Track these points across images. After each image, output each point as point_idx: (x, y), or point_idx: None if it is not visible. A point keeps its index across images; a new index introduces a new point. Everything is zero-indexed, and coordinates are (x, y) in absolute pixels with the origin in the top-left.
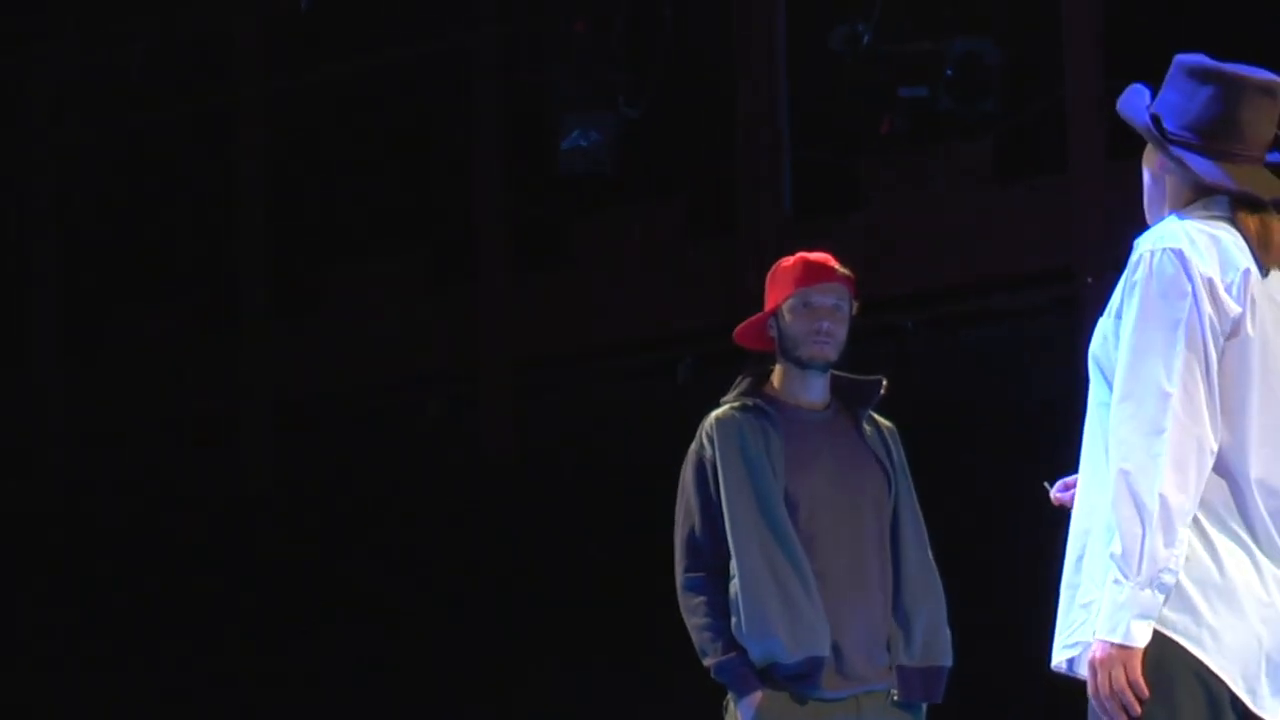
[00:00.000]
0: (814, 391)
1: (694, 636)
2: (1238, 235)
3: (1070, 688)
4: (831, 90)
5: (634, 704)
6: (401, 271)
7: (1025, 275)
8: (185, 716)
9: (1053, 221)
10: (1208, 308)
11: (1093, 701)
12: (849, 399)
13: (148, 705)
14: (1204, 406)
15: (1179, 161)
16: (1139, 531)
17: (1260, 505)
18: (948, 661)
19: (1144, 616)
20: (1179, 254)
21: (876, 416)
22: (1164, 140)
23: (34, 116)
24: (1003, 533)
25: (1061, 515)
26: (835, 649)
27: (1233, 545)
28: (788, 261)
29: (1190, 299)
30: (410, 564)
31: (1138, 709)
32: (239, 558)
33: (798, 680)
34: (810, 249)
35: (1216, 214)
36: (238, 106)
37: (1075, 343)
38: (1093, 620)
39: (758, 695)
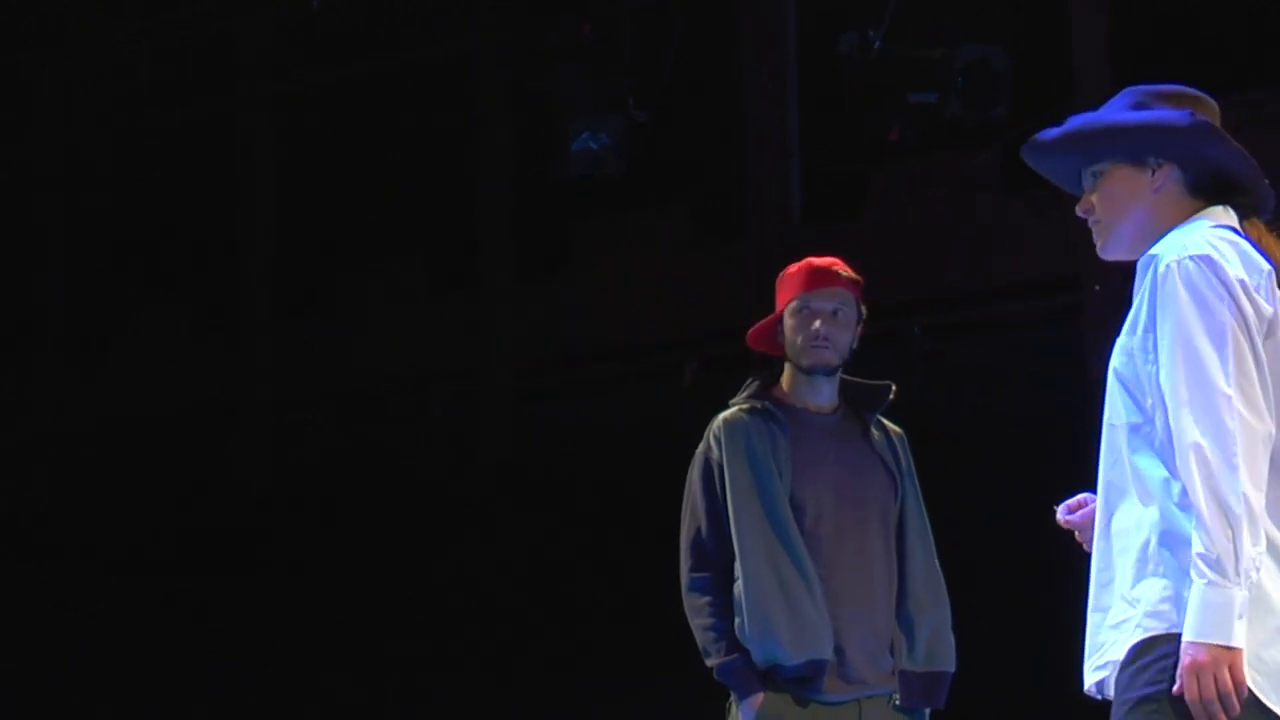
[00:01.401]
0: (822, 395)
1: (698, 637)
2: (1244, 243)
3: (1069, 702)
4: (841, 96)
5: (635, 706)
6: (406, 273)
7: (1032, 282)
8: (183, 713)
9: (1060, 229)
10: (1247, 308)
11: (1193, 708)
12: (858, 404)
13: (144, 701)
14: (1262, 402)
15: (1200, 157)
16: (1229, 532)
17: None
18: (951, 667)
19: (1242, 615)
20: (1207, 260)
21: (886, 422)
22: (1206, 129)
23: (41, 116)
24: (1008, 540)
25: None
26: (838, 652)
27: (1268, 556)
28: (794, 267)
29: (1229, 301)
30: (412, 566)
31: (1238, 709)
32: (238, 557)
33: (799, 683)
34: (818, 254)
35: (1233, 221)
36: (244, 108)
37: (1082, 350)
38: (1169, 621)
39: (759, 697)
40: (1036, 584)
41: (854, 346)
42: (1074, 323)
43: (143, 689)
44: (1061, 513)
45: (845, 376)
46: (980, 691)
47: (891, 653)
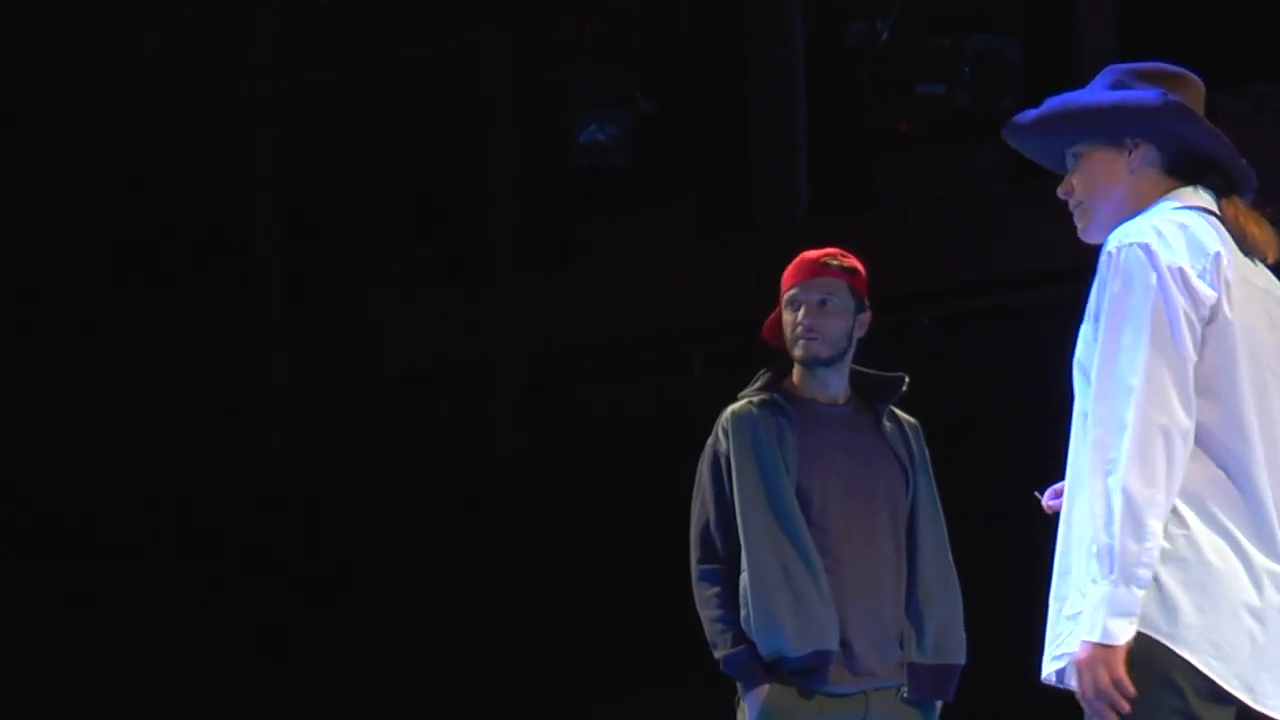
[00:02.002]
0: (830, 387)
1: (706, 628)
2: (1211, 221)
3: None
4: (848, 87)
5: (645, 699)
6: (413, 266)
7: (1040, 274)
8: (186, 709)
9: (1069, 220)
10: (1178, 298)
11: (1083, 704)
12: (870, 395)
13: (147, 698)
14: (1173, 394)
15: (1174, 136)
16: (1111, 528)
17: (1250, 493)
18: (960, 660)
19: (1122, 614)
20: (1145, 248)
21: (899, 413)
22: (1178, 109)
23: (49, 110)
24: (1016, 532)
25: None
26: (844, 644)
27: (1217, 538)
28: (793, 260)
29: (1157, 291)
30: (418, 559)
31: (1125, 707)
32: (247, 550)
33: (805, 674)
34: (825, 246)
35: (1207, 202)
36: (252, 101)
37: None
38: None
39: (764, 689)
40: (1045, 575)
41: (858, 336)
42: (1082, 313)
43: (147, 685)
44: (1047, 498)
45: (856, 368)
46: (990, 684)
47: (900, 645)
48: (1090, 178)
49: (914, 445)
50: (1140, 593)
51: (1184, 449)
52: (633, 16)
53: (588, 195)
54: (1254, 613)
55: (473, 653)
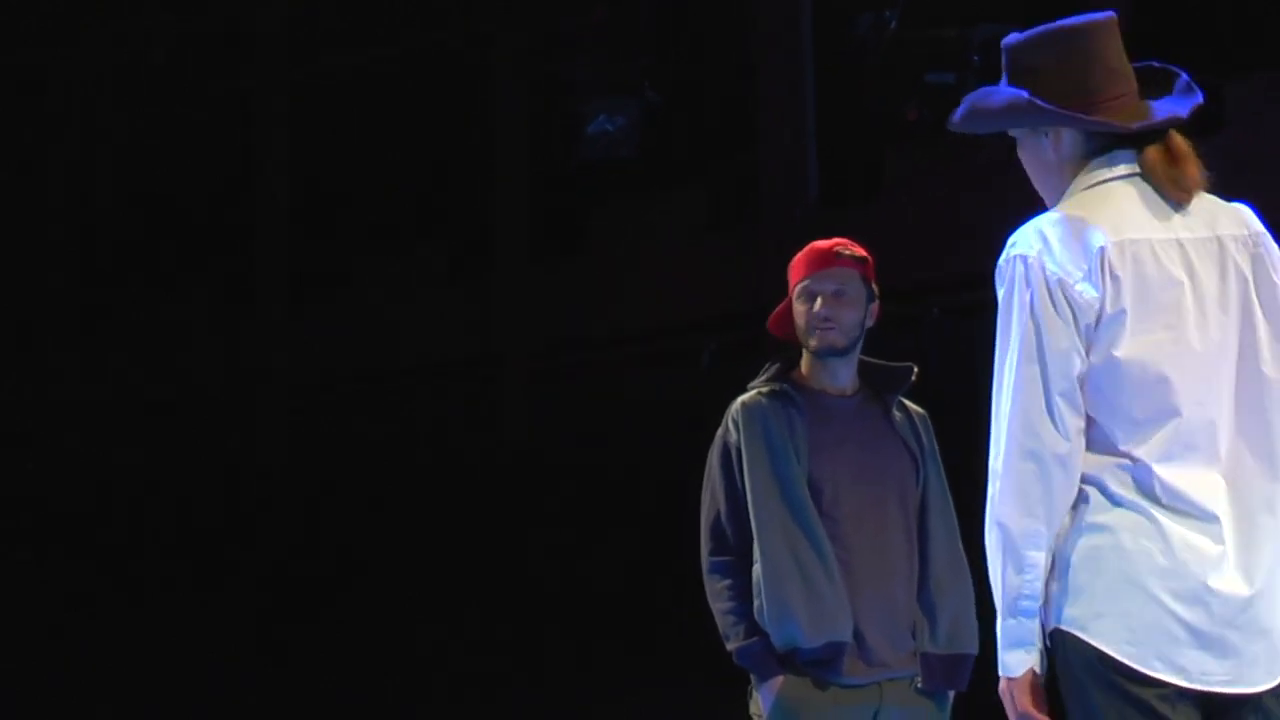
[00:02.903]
0: (840, 377)
1: (718, 620)
2: (1126, 189)
3: None
4: (856, 77)
5: (654, 689)
6: (422, 258)
7: None
8: (199, 690)
9: None
10: (1051, 315)
11: None
12: (879, 385)
13: (165, 676)
14: (1044, 419)
15: (1070, 126)
16: (995, 563)
17: (1176, 467)
18: (973, 650)
19: (1015, 645)
20: (1024, 260)
21: (908, 403)
22: (1054, 109)
23: (58, 102)
24: None
25: None
26: (858, 635)
27: (1131, 518)
28: (801, 251)
29: (1029, 309)
30: (428, 549)
31: None
32: (254, 539)
33: (819, 666)
34: (834, 236)
35: (1119, 171)
36: (260, 93)
37: None
38: None
39: (778, 680)
40: None
41: (868, 325)
42: None
43: (159, 660)
44: None
45: (864, 358)
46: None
47: (913, 635)
48: (1026, 163)
49: (923, 435)
50: (1030, 622)
51: (1061, 471)
52: (640, 9)
53: (595, 187)
54: (1172, 589)
55: (474, 651)
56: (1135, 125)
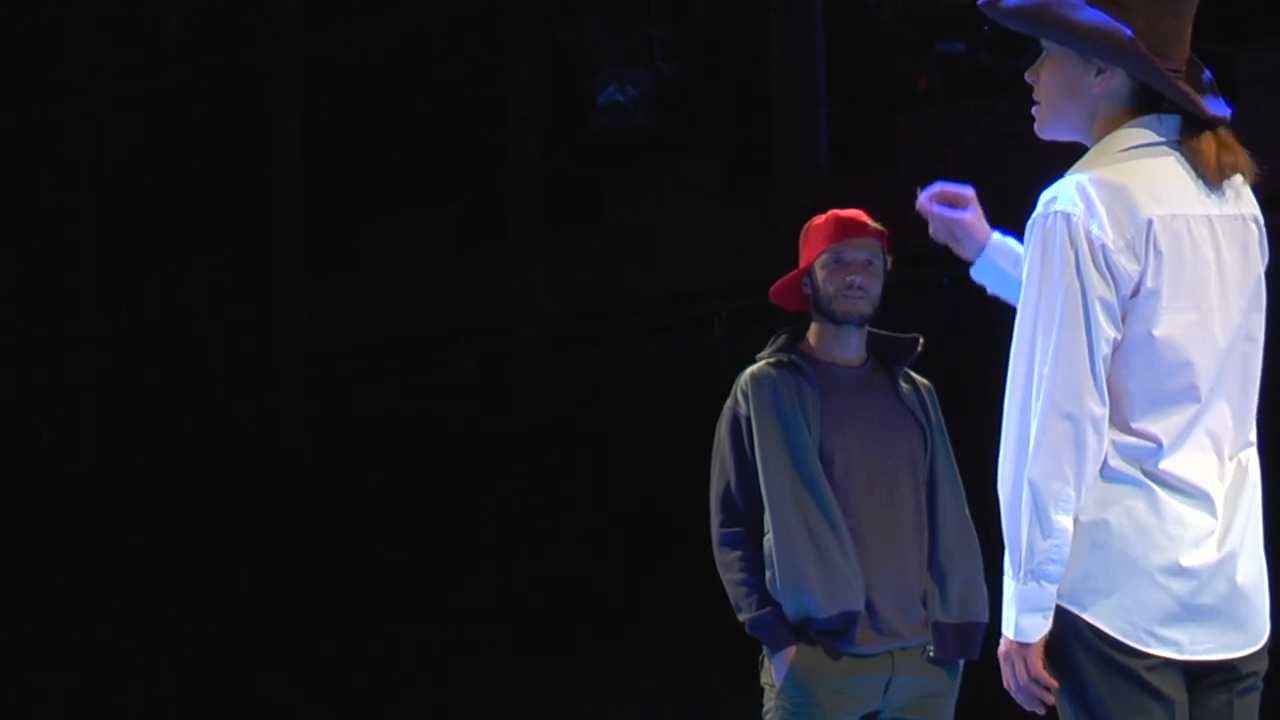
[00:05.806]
0: (850, 348)
1: (729, 592)
2: (1165, 159)
3: None
4: (868, 46)
5: (667, 660)
6: (435, 227)
7: None
8: (218, 670)
9: None
10: (1095, 280)
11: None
12: (885, 356)
13: (183, 655)
14: (1084, 381)
15: (1156, 86)
16: (1018, 523)
17: (1182, 447)
18: (984, 618)
19: (1032, 610)
20: (1067, 218)
21: (914, 375)
22: (1153, 65)
23: (72, 72)
24: None
25: None
26: (870, 605)
27: (1134, 496)
28: (820, 219)
29: (1073, 270)
30: (443, 518)
31: (1050, 699)
32: (272, 511)
33: (832, 635)
34: (846, 205)
35: (1165, 135)
36: (273, 61)
37: None
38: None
39: (791, 650)
40: None
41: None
42: None
43: (177, 639)
44: (923, 196)
45: (872, 330)
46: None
47: (924, 604)
48: (1051, 84)
49: (930, 406)
50: (1051, 587)
51: (1095, 437)
52: None
53: (609, 156)
54: (1167, 567)
55: (499, 612)
56: (1208, 115)
